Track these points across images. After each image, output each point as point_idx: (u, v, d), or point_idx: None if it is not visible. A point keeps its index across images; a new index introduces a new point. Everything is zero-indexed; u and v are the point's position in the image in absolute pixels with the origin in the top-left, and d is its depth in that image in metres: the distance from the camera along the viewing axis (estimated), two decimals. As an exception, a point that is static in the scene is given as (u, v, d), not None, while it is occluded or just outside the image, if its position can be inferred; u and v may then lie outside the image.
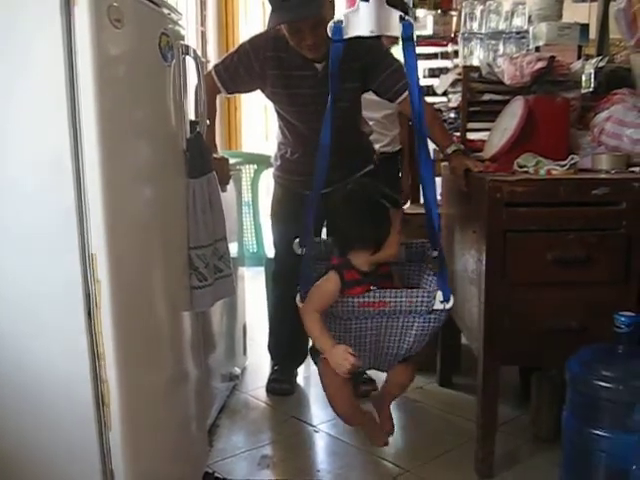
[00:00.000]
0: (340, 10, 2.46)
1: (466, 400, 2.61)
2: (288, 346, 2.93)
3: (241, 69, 2.46)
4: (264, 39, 2.46)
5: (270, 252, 3.30)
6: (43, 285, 1.44)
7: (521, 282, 2.02)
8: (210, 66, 4.96)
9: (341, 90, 2.43)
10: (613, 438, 1.78)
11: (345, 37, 1.83)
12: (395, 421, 2.27)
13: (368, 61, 2.39)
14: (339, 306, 1.94)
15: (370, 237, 1.97)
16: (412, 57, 1.84)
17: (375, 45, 2.42)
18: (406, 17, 1.80)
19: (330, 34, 1.83)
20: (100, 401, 1.46)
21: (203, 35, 5.11)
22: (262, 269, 3.34)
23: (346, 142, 2.46)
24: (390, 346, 2.02)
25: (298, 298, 2.02)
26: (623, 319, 1.81)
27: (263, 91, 2.56)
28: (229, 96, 2.69)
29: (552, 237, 1.99)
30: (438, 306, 1.92)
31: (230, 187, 2.54)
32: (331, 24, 1.82)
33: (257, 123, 5.75)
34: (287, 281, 2.81)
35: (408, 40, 1.82)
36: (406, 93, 2.40)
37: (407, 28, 1.80)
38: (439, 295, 1.92)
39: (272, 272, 2.91)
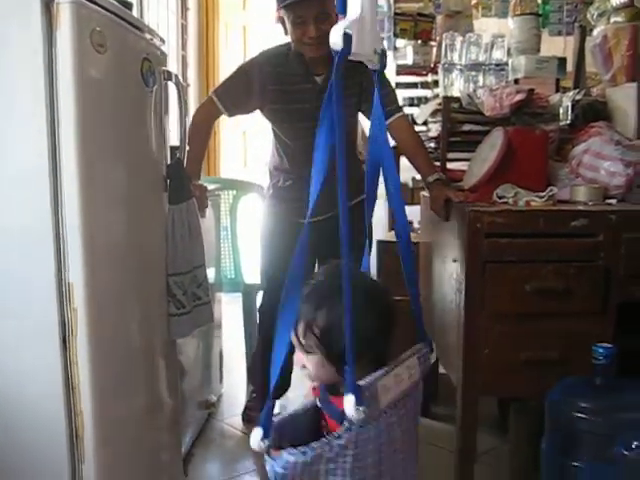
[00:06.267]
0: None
1: (444, 430, 2.59)
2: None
3: (241, 89, 2.45)
4: (262, 56, 2.47)
5: (248, 277, 3.28)
6: (18, 313, 1.40)
7: (500, 313, 2.01)
8: (191, 91, 4.95)
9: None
10: (593, 470, 1.77)
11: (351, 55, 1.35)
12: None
13: (364, 79, 2.38)
14: None
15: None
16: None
17: None
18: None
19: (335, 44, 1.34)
20: (74, 434, 1.43)
21: (184, 59, 5.10)
22: (239, 295, 3.31)
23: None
24: None
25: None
26: (601, 351, 1.80)
27: (262, 110, 2.53)
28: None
29: (531, 268, 1.99)
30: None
31: (209, 213, 2.51)
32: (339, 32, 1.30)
33: (236, 149, 5.74)
34: (276, 317, 2.75)
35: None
36: (395, 116, 2.41)
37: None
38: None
39: (260, 307, 2.84)
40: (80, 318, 1.40)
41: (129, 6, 1.79)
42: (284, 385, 2.89)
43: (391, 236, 3.27)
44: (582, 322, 2.01)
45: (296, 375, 2.92)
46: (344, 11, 1.25)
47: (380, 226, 3.68)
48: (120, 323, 1.61)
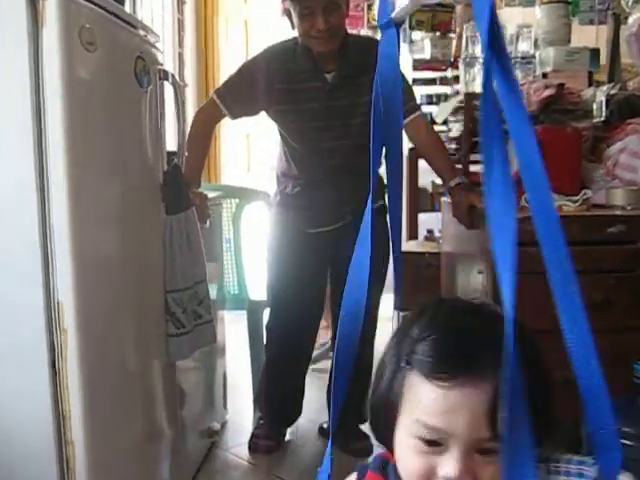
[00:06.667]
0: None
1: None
2: (281, 401, 2.86)
3: (245, 89, 2.46)
4: (268, 53, 2.49)
5: (253, 293, 3.28)
6: (3, 336, 1.40)
7: (532, 329, 2.00)
8: (189, 91, 4.98)
9: (353, 105, 2.43)
10: (635, 502, 1.75)
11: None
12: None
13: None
14: None
15: None
16: None
17: None
18: None
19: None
20: (65, 465, 1.43)
21: (180, 57, 5.12)
22: (244, 312, 3.31)
23: (356, 169, 2.46)
24: None
25: None
26: (644, 369, 1.79)
27: (268, 112, 2.55)
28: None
29: (565, 279, 1.98)
30: None
31: (210, 223, 2.52)
32: None
33: (238, 153, 5.75)
34: (285, 336, 2.74)
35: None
36: (413, 115, 2.41)
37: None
38: None
39: (267, 325, 2.84)
40: (71, 340, 1.40)
41: (121, 1, 1.80)
42: (295, 412, 2.88)
43: (410, 246, 3.27)
44: (622, 337, 2.00)
45: (307, 402, 2.92)
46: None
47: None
48: (114, 345, 1.61)
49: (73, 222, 1.40)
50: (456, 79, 3.73)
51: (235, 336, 3.47)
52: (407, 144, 3.20)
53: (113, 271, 1.60)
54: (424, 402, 0.82)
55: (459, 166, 2.57)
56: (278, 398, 2.83)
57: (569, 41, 3.28)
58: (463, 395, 0.79)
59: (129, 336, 1.72)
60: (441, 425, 0.80)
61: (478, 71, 3.22)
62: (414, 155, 3.26)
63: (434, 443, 0.81)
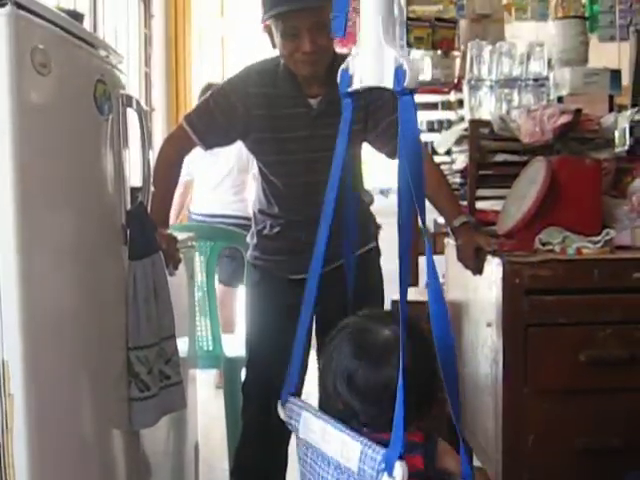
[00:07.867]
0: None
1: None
2: (261, 476, 2.83)
3: (218, 115, 2.46)
4: (245, 74, 2.50)
5: (230, 350, 3.27)
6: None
7: (547, 389, 2.01)
8: (156, 117, 5.01)
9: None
10: None
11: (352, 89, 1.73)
12: None
13: (370, 101, 2.41)
14: None
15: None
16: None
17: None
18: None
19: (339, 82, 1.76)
20: None
21: (147, 78, 5.15)
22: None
23: (343, 206, 2.47)
24: None
25: None
26: (678, 436, 1.79)
27: (244, 141, 2.56)
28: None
29: (586, 332, 1.99)
30: None
31: (180, 269, 2.52)
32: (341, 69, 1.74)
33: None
34: (264, 400, 2.72)
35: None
36: None
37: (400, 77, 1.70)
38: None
39: (243, 386, 2.83)
40: (18, 407, 1.39)
41: (80, 18, 1.82)
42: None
43: (409, 294, 3.27)
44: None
45: (291, 475, 2.90)
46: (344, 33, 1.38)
47: (395, 281, 3.68)
48: (69, 412, 1.60)
49: (22, 267, 1.40)
50: (460, 103, 3.76)
51: (209, 399, 3.46)
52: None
53: (68, 325, 1.60)
54: None
55: (464, 203, 2.59)
56: (257, 473, 2.80)
57: (587, 61, 3.33)
58: None
59: (86, 401, 1.71)
60: None
61: (484, 95, 3.25)
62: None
63: None
